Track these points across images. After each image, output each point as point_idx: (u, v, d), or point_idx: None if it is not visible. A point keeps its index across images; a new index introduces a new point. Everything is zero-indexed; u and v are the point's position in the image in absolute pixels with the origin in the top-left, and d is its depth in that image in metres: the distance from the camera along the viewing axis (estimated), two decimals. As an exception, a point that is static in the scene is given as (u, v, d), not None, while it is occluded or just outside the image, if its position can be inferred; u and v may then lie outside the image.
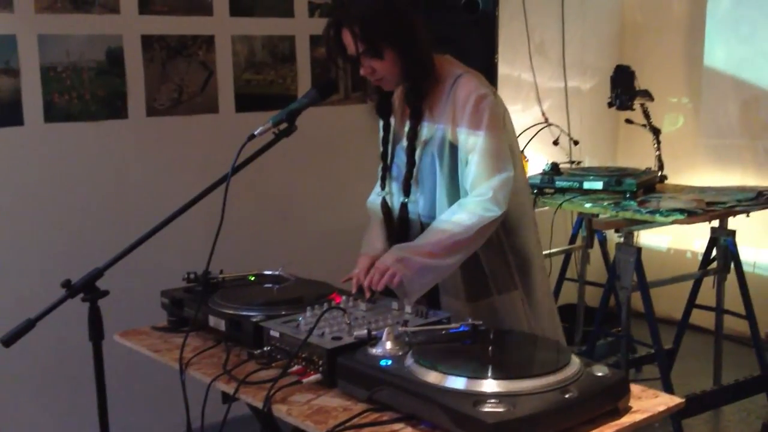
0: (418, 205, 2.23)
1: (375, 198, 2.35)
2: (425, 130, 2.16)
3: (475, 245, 2.08)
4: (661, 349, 3.50)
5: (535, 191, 3.84)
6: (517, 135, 4.20)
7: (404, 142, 2.21)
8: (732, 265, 3.76)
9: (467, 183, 2.10)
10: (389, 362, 1.64)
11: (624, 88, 4.08)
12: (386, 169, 2.30)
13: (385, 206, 2.30)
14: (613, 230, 3.57)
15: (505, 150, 2.10)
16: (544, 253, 3.94)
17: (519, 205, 2.21)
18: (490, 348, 1.74)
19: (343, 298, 2.05)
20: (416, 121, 2.16)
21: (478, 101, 2.08)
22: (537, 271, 2.30)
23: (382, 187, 2.32)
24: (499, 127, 2.10)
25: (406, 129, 2.20)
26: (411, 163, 2.19)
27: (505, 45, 4.27)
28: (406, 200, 2.24)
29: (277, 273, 2.40)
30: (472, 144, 2.07)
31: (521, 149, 4.15)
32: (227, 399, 1.80)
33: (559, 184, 3.82)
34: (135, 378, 3.20)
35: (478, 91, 2.09)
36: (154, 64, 3.36)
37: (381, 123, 2.30)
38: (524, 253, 2.25)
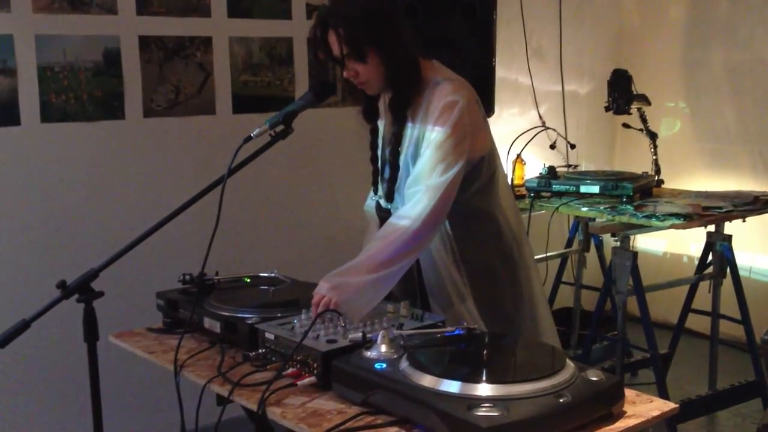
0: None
1: (371, 202, 2.35)
2: (406, 136, 2.16)
3: (418, 247, 2.05)
4: (656, 353, 3.50)
5: (532, 195, 3.84)
6: (514, 138, 4.27)
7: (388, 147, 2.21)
8: (728, 270, 3.77)
9: (411, 175, 2.10)
10: (384, 365, 1.64)
11: (621, 93, 4.09)
12: (376, 173, 2.30)
13: (380, 210, 2.30)
14: (609, 234, 3.58)
15: (458, 153, 2.07)
16: (541, 255, 4.01)
17: (478, 219, 2.20)
18: (484, 352, 1.74)
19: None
20: (399, 127, 2.16)
21: (447, 105, 2.07)
22: (533, 278, 2.31)
23: (375, 192, 2.32)
24: (461, 131, 2.08)
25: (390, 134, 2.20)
26: (394, 168, 2.19)
27: (503, 49, 4.27)
28: (389, 206, 2.23)
29: (272, 275, 2.39)
30: (432, 139, 2.07)
31: (518, 152, 4.19)
32: (222, 401, 1.80)
33: (555, 187, 3.82)
34: (130, 379, 3.20)
35: (448, 97, 2.08)
36: (151, 65, 3.36)
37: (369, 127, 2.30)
38: (481, 265, 2.22)
